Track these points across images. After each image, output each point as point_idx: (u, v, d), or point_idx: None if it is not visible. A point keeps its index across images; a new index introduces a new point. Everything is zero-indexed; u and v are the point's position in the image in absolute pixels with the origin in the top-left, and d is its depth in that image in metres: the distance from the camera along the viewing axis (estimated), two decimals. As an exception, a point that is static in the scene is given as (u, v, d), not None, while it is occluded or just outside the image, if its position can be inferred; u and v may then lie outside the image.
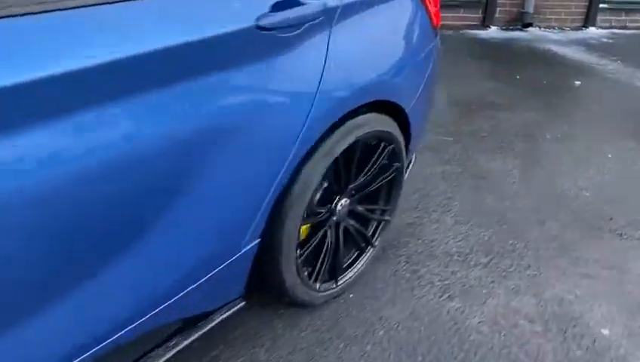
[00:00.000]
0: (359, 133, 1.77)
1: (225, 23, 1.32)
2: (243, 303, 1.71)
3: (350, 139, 1.74)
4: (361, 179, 1.95)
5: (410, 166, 2.45)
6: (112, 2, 1.16)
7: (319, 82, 1.55)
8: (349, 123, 1.73)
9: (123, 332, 1.31)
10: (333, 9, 1.60)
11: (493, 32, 6.49)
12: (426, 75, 2.07)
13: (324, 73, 1.56)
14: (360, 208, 2.03)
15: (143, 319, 1.38)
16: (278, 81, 1.45)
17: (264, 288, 1.83)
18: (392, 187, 2.12)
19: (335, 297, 2.06)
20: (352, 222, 2.02)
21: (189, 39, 1.24)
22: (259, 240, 1.61)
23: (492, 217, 2.67)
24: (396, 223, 2.53)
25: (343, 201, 1.91)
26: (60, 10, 1.07)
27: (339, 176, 1.85)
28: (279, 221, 1.64)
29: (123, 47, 1.14)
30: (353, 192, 1.98)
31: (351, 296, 2.09)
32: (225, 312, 1.66)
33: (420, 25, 2.01)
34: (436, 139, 3.44)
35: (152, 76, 1.20)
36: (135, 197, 1.24)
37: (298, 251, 1.76)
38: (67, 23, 1.09)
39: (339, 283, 2.02)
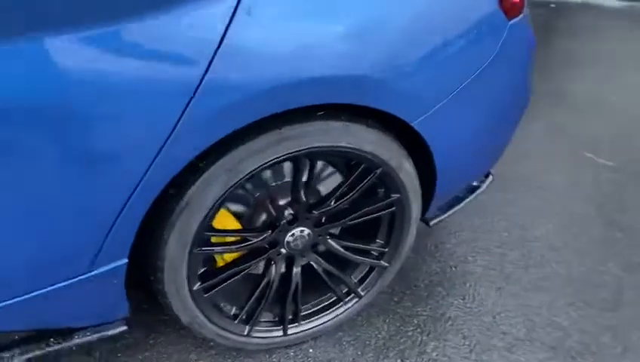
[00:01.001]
0: (295, 147, 1.24)
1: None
2: (123, 328, 1.38)
3: (274, 155, 1.23)
4: (329, 206, 1.42)
5: (473, 194, 1.76)
6: None
7: (209, 63, 1.06)
8: (277, 132, 1.22)
9: None
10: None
11: None
12: (471, 75, 1.38)
13: (221, 50, 1.06)
14: (334, 244, 1.50)
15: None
16: (122, 55, 1.02)
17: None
18: (393, 225, 1.52)
19: (288, 346, 1.59)
20: (319, 259, 1.50)
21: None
22: (125, 261, 1.25)
23: (600, 292, 1.82)
24: (447, 266, 1.89)
25: (297, 231, 1.42)
26: None
27: (276, 197, 1.37)
28: (154, 244, 1.26)
29: None
30: (323, 221, 1.46)
31: (310, 350, 1.60)
32: (93, 333, 1.36)
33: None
34: (582, 159, 2.52)
35: None
36: None
37: (198, 283, 1.36)
38: None
39: (289, 333, 1.55)
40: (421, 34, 1.26)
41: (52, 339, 1.34)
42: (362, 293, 1.59)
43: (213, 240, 1.40)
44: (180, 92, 1.07)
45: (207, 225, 1.28)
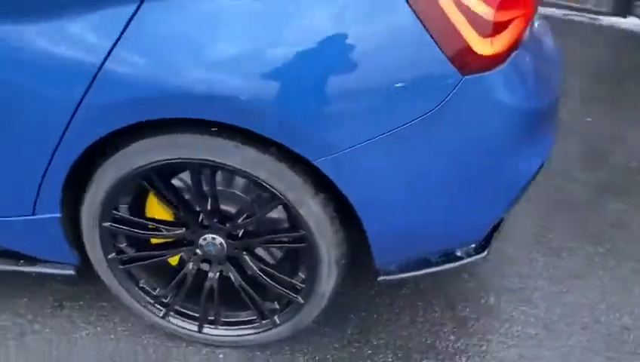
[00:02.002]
0: (182, 155, 1.31)
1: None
2: (71, 272, 1.64)
3: (159, 157, 1.32)
4: (235, 222, 1.45)
5: (447, 265, 1.56)
6: None
7: (104, 58, 1.20)
8: (167, 137, 1.31)
9: None
10: None
11: None
12: (386, 131, 1.21)
13: (114, 52, 1.20)
14: (250, 262, 1.51)
15: None
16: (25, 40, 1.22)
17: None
18: (309, 262, 1.46)
19: (205, 344, 1.66)
20: (235, 272, 1.54)
21: None
22: (58, 215, 1.50)
23: None
24: (420, 335, 1.71)
25: (209, 237, 1.48)
26: None
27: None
28: (80, 206, 1.47)
29: None
30: (237, 235, 1.49)
31: (221, 356, 1.64)
32: (48, 268, 1.64)
33: (384, 31, 1.17)
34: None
35: None
36: None
37: (113, 254, 1.53)
38: None
39: (204, 332, 1.62)
40: (313, 68, 1.18)
41: (22, 261, 1.67)
42: (278, 321, 1.57)
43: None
44: (81, 79, 1.24)
45: (113, 205, 1.44)
